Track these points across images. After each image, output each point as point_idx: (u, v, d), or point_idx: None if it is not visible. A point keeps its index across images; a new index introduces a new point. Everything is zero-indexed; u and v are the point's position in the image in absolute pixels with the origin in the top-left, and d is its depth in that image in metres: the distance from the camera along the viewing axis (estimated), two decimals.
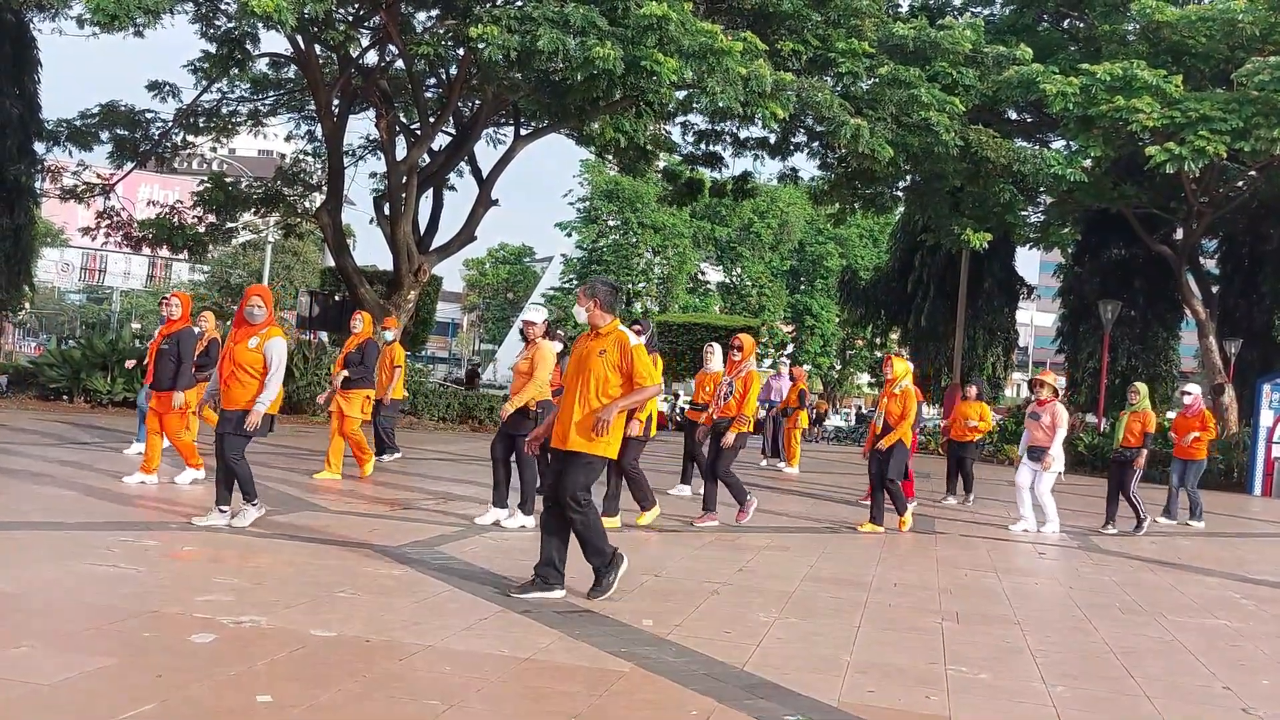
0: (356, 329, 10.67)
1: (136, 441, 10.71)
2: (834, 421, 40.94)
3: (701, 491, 9.31)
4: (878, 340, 38.21)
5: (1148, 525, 10.96)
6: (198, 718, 3.50)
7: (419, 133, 19.87)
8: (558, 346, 9.70)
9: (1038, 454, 10.19)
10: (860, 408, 55.19)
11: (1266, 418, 18.62)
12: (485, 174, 20.83)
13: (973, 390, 13.12)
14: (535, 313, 8.34)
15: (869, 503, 9.81)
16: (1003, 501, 12.56)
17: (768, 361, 42.49)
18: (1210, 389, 22.99)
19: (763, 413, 15.52)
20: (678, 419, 25.71)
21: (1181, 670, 5.19)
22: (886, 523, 9.51)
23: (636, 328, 8.05)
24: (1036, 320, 60.37)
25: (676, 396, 31.15)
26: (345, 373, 10.27)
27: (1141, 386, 11.35)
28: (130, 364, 13.16)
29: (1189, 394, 12.58)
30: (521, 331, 8.31)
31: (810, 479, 14.82)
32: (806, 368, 43.14)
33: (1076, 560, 8.98)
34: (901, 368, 9.64)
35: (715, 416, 9.12)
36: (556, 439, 5.66)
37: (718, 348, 10.15)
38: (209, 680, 3.82)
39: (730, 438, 8.82)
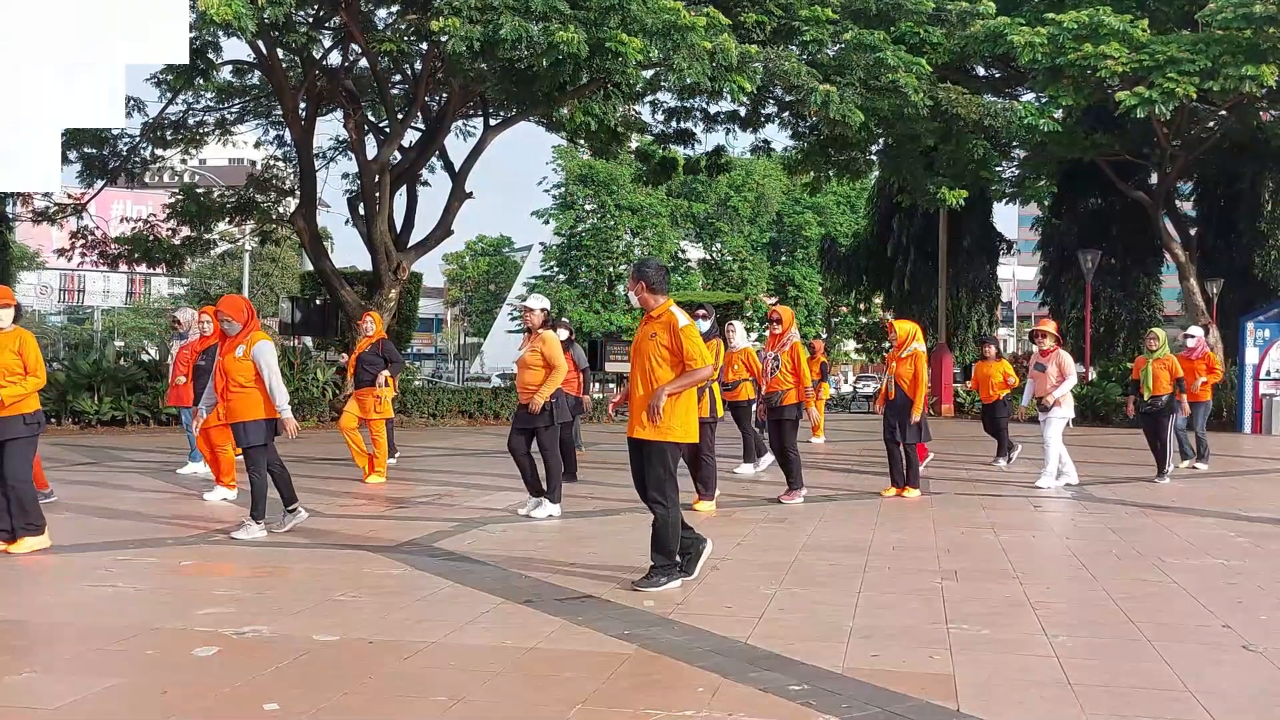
0: (369, 331, 10.42)
1: (191, 461, 10.67)
2: None
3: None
4: (862, 306, 38.26)
5: (1167, 479, 10.71)
6: None
7: (388, 131, 19.74)
8: (563, 335, 9.68)
9: (1048, 407, 9.98)
10: (848, 375, 55.28)
11: (1252, 355, 18.78)
12: (458, 167, 20.72)
13: (991, 350, 13.06)
14: (534, 300, 8.21)
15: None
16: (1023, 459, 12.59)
17: (754, 335, 42.49)
18: None
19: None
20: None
21: (1181, 612, 5.24)
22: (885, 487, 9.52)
23: (700, 312, 8.06)
24: (1018, 275, 60.43)
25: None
26: (385, 373, 10.13)
27: (1160, 332, 11.12)
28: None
29: (1191, 337, 12.56)
30: (524, 322, 8.23)
31: (803, 447, 14.84)
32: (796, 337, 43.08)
33: (1071, 510, 9.06)
34: (904, 329, 9.55)
35: (765, 392, 9.06)
36: (630, 427, 5.65)
37: (739, 325, 10.21)
38: (215, 693, 3.82)
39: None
